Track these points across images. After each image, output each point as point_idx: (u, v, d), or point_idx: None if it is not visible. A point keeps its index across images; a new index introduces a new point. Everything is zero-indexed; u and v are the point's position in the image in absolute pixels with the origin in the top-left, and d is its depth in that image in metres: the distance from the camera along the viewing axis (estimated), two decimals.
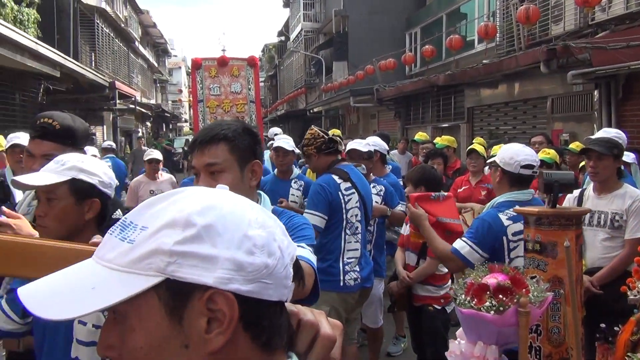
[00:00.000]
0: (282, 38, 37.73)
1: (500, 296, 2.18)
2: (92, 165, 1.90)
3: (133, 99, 19.07)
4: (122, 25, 24.57)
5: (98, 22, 20.10)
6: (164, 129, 38.30)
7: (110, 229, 0.75)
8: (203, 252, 0.69)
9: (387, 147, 5.82)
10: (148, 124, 30.30)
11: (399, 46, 19.52)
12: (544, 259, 2.34)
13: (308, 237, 1.96)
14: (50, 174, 1.82)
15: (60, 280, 0.73)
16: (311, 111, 25.10)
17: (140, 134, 24.94)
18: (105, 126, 20.81)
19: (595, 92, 8.10)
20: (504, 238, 2.83)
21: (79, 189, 1.84)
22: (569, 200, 3.80)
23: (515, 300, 2.20)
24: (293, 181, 5.25)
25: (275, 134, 8.89)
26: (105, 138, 19.73)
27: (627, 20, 8.02)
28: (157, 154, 6.97)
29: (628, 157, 4.56)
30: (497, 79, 10.76)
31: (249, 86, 11.85)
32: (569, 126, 9.09)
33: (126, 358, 0.71)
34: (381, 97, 16.08)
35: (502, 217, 2.84)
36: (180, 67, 55.74)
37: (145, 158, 7.07)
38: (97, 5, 19.31)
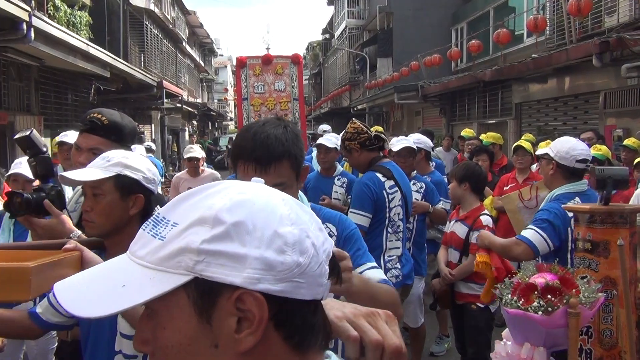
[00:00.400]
0: (327, 36, 37.76)
1: (549, 296, 2.10)
2: (136, 162, 1.93)
3: (180, 98, 19.42)
4: (170, 26, 25.08)
5: (147, 23, 20.56)
6: (210, 127, 38.92)
7: (144, 224, 0.74)
8: (231, 251, 0.67)
9: (431, 145, 5.74)
10: (194, 122, 30.86)
11: (444, 42, 19.23)
12: (595, 258, 2.25)
13: (365, 249, 1.90)
14: (96, 169, 1.86)
15: (94, 276, 0.73)
16: (355, 108, 25.03)
17: (189, 132, 25.41)
18: (153, 125, 21.32)
19: None
20: (569, 229, 2.82)
21: (124, 185, 1.88)
22: (638, 197, 3.71)
23: (564, 301, 2.12)
24: (336, 178, 5.25)
25: (324, 131, 8.88)
26: (153, 136, 20.23)
27: None
28: (197, 152, 6.97)
29: None
30: (547, 73, 10.45)
31: (293, 84, 11.92)
32: (622, 122, 8.74)
33: (158, 354, 0.70)
34: (426, 93, 15.87)
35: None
36: (226, 66, 56.48)
37: (185, 156, 7.08)
38: (145, 7, 19.76)
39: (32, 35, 7.12)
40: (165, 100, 17.51)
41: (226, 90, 53.31)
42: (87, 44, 9.79)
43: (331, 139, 5.35)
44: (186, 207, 0.71)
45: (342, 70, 30.36)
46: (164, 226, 0.70)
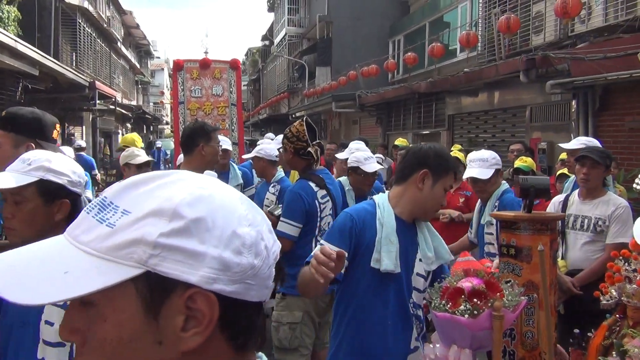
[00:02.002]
0: (266, 42, 37.73)
1: (475, 300, 2.19)
2: (60, 165, 1.83)
3: (113, 99, 18.85)
4: (105, 25, 24.35)
5: (80, 21, 19.89)
6: (145, 131, 37.95)
7: (87, 206, 0.70)
8: (190, 248, 0.65)
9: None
10: (128, 125, 30.00)
11: (382, 53, 19.64)
12: (518, 263, 2.36)
13: None
14: (17, 174, 1.76)
15: (28, 258, 0.68)
16: (293, 116, 25.11)
17: (122, 135, 24.69)
18: (84, 127, 20.58)
19: (573, 102, 8.22)
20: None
21: (48, 190, 1.78)
22: (554, 204, 3.92)
23: (489, 304, 2.21)
24: (272, 185, 5.26)
25: (272, 139, 8.79)
26: (84, 138, 19.51)
27: (605, 33, 8.16)
28: (144, 157, 6.34)
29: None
30: (478, 87, 10.86)
31: (231, 89, 11.84)
32: (547, 135, 9.20)
33: (92, 345, 0.66)
34: (363, 103, 16.14)
35: None
36: (162, 69, 55.36)
37: (131, 161, 6.07)
38: (79, 5, 19.11)
39: None
40: (97, 102, 16.95)
41: (162, 93, 52.23)
42: (15, 40, 9.37)
43: (268, 147, 5.40)
44: (138, 194, 0.68)
45: (281, 78, 30.39)
46: (112, 212, 0.67)
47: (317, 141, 3.82)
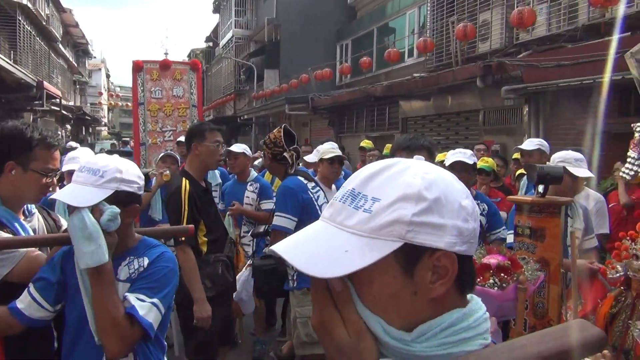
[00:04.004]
0: (210, 44, 37.41)
1: (502, 274, 2.50)
2: (129, 173, 1.92)
3: (59, 100, 18.32)
4: (44, 23, 23.57)
5: (20, 19, 19.20)
6: (84, 132, 36.83)
7: (340, 196, 0.88)
8: (434, 222, 0.83)
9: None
10: (68, 126, 29.08)
11: (330, 57, 20.02)
12: (533, 242, 2.69)
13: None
14: (91, 188, 1.83)
15: (311, 240, 0.86)
16: (241, 118, 25.12)
17: (63, 136, 23.95)
18: None
19: (525, 107, 8.81)
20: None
21: (121, 200, 1.88)
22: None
23: (514, 278, 2.53)
24: (249, 184, 5.35)
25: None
26: None
27: (547, 42, 8.79)
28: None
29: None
30: (431, 91, 11.35)
31: (191, 90, 11.85)
32: (499, 138, 9.77)
33: (362, 301, 0.84)
34: (316, 105, 16.43)
35: None
36: (100, 69, 53.77)
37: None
38: (19, 1, 18.47)
39: None
40: (41, 102, 16.47)
41: (100, 94, 50.71)
42: None
43: (241, 145, 5.54)
44: (379, 183, 0.86)
45: (227, 79, 30.25)
46: (363, 200, 0.85)
47: (294, 146, 4.02)
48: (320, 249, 0.83)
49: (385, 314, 0.84)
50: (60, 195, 1.80)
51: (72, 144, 11.68)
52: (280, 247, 0.86)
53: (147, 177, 5.47)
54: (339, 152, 4.95)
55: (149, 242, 2.03)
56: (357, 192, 0.86)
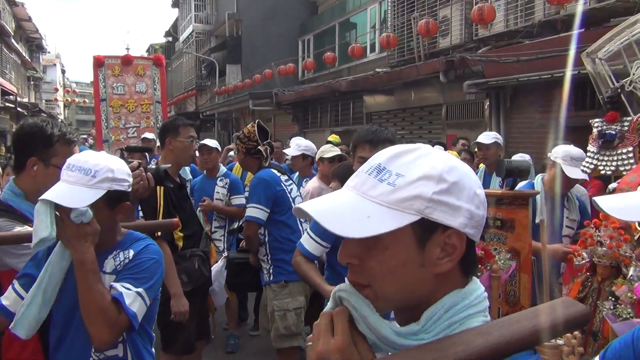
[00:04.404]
0: (170, 39, 36.88)
1: None
2: (120, 172, 1.93)
3: (15, 97, 17.80)
4: None
5: None
6: None
7: (366, 168, 0.96)
8: (451, 202, 0.91)
9: (315, 150, 6.21)
10: None
11: (292, 51, 20.04)
12: (504, 233, 2.80)
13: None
14: (85, 189, 1.82)
15: (335, 204, 0.93)
16: (204, 114, 24.89)
17: None
18: None
19: (487, 101, 9.03)
20: None
21: (113, 199, 1.90)
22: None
23: (488, 268, 2.63)
24: (219, 179, 5.37)
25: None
26: None
27: (505, 37, 9.03)
28: None
29: (523, 157, 5.30)
30: (396, 86, 11.51)
31: (155, 86, 11.70)
32: (462, 132, 9.96)
33: (371, 264, 0.93)
34: (280, 100, 16.44)
35: None
36: (54, 65, 52.30)
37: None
38: None
39: None
40: None
41: (56, 90, 49.35)
42: None
43: (213, 141, 5.55)
44: (403, 162, 0.93)
45: (188, 75, 29.90)
46: (387, 174, 0.92)
47: (268, 141, 4.07)
48: (345, 212, 0.91)
49: (391, 279, 0.91)
50: (52, 196, 1.77)
51: None
52: (308, 207, 0.93)
53: None
54: (338, 151, 5.04)
55: (135, 236, 2.05)
56: (382, 167, 0.94)
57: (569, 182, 3.57)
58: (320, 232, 2.76)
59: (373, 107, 13.25)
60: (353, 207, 0.92)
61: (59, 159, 2.18)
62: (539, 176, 3.88)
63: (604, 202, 1.32)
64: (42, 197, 1.78)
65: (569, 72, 6.71)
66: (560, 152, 3.59)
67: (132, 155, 5.84)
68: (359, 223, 0.89)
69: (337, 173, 4.82)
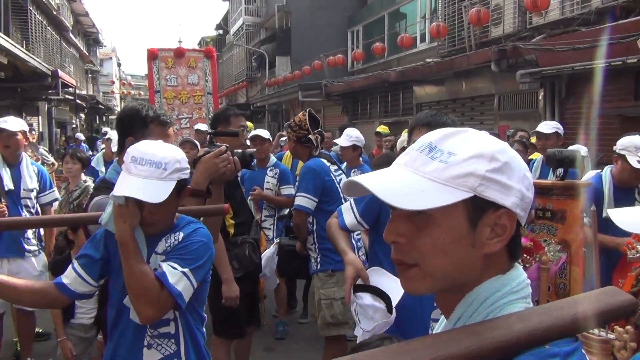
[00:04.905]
0: (221, 32, 37.43)
1: (524, 255, 2.58)
2: (184, 160, 2.04)
3: (74, 89, 18.46)
4: (55, 12, 23.67)
5: (31, 8, 19.30)
6: (97, 121, 37.10)
7: (417, 146, 0.96)
8: (504, 181, 0.91)
9: (364, 142, 6.23)
10: (82, 115, 29.32)
11: (341, 43, 20.01)
12: (554, 224, 2.76)
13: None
14: (159, 182, 1.92)
15: (389, 178, 0.94)
16: (254, 105, 25.20)
17: (75, 125, 24.20)
18: (40, 117, 20.07)
19: (541, 91, 8.80)
20: None
21: (181, 187, 2.03)
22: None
23: (537, 259, 2.60)
24: (269, 169, 5.45)
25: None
26: (40, 129, 19.06)
27: (561, 25, 8.76)
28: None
29: (582, 150, 5.14)
30: (446, 76, 11.36)
31: (206, 78, 11.92)
32: (515, 123, 9.75)
33: (422, 242, 0.93)
34: (329, 91, 16.46)
35: None
36: (110, 58, 53.95)
37: None
38: None
39: None
40: (55, 91, 16.58)
41: (112, 82, 50.95)
42: None
43: (265, 131, 5.64)
44: (456, 141, 0.94)
45: (238, 67, 30.31)
46: (439, 153, 0.92)
47: (318, 130, 4.09)
48: (399, 185, 0.91)
49: (442, 258, 0.92)
50: (132, 191, 1.87)
51: (80, 135, 11.86)
52: (363, 179, 0.93)
53: None
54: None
55: (186, 220, 2.14)
56: (434, 146, 0.94)
57: (637, 174, 3.45)
58: (362, 209, 2.68)
59: (423, 98, 13.11)
60: (406, 182, 0.92)
61: (153, 138, 2.30)
62: (607, 168, 3.77)
63: (618, 216, 1.29)
64: (121, 192, 1.87)
65: (628, 60, 6.48)
66: (626, 143, 3.47)
67: (183, 145, 6.04)
68: (413, 196, 0.89)
69: (379, 163, 4.84)
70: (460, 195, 0.90)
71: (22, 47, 17.99)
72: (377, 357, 0.76)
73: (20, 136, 4.47)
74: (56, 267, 3.76)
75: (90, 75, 38.99)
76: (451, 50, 11.48)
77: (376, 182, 0.93)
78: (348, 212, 2.70)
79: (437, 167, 0.92)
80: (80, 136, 17.77)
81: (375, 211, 2.65)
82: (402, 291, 1.82)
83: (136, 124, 2.39)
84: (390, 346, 0.81)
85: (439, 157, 0.92)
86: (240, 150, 2.68)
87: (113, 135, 5.03)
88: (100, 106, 34.48)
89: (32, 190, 4.57)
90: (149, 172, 1.91)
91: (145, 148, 1.97)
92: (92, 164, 6.13)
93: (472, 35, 10.46)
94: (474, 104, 11.32)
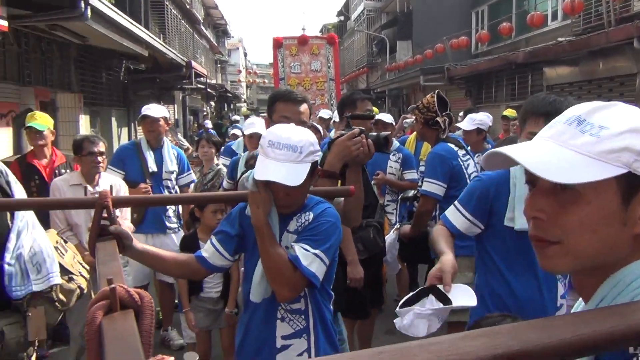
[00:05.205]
0: (342, 18, 37.70)
1: None
2: (316, 143, 2.08)
3: (205, 79, 19.55)
4: (187, 6, 25.11)
5: (167, 3, 20.62)
6: (226, 109, 39.04)
7: (562, 119, 0.92)
8: None
9: (488, 125, 6.02)
10: (212, 103, 30.99)
11: (464, 25, 19.32)
12: None
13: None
14: (296, 165, 1.98)
15: (535, 150, 0.90)
16: (375, 91, 25.18)
17: (207, 113, 25.63)
18: (176, 105, 21.52)
19: None
20: None
21: (313, 168, 2.07)
22: None
23: None
24: (392, 154, 5.37)
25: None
26: (176, 116, 20.44)
27: None
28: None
29: None
30: (580, 56, 10.61)
31: (329, 64, 12.07)
32: None
33: (569, 219, 0.89)
34: (452, 75, 16.02)
35: None
36: (237, 48, 56.44)
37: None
38: None
39: (89, 13, 7.31)
40: (189, 81, 17.66)
41: (239, 72, 53.36)
42: (132, 24, 9.94)
43: (388, 115, 5.61)
44: (607, 115, 0.90)
45: (359, 53, 30.41)
46: (589, 126, 0.89)
47: (447, 112, 3.99)
48: (548, 159, 0.88)
49: (590, 236, 0.88)
50: (272, 175, 1.94)
51: (207, 123, 12.54)
52: (509, 150, 0.91)
53: None
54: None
55: (315, 200, 2.21)
56: (582, 119, 0.90)
57: None
58: (474, 208, 2.54)
59: (554, 80, 12.34)
60: (555, 155, 0.89)
61: (277, 115, 2.60)
62: None
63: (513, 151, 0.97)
64: (264, 177, 1.96)
65: None
66: None
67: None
68: (563, 169, 0.86)
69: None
70: (614, 170, 0.86)
71: (160, 40, 19.40)
72: (522, 330, 0.75)
73: (162, 122, 4.84)
74: (184, 243, 4.04)
75: (219, 65, 41.01)
76: (586, 27, 10.69)
77: (523, 153, 0.90)
78: (456, 216, 2.58)
79: (588, 141, 0.88)
80: (208, 123, 18.85)
81: (487, 208, 2.53)
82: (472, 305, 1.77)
83: (269, 103, 2.66)
84: (532, 321, 0.80)
85: (589, 131, 0.89)
86: (374, 133, 2.69)
87: (255, 120, 5.24)
88: (229, 94, 36.22)
89: (172, 172, 4.94)
90: (286, 155, 1.98)
91: (281, 132, 2.05)
92: (233, 147, 6.44)
93: (612, 10, 9.66)
94: (612, 85, 10.47)
